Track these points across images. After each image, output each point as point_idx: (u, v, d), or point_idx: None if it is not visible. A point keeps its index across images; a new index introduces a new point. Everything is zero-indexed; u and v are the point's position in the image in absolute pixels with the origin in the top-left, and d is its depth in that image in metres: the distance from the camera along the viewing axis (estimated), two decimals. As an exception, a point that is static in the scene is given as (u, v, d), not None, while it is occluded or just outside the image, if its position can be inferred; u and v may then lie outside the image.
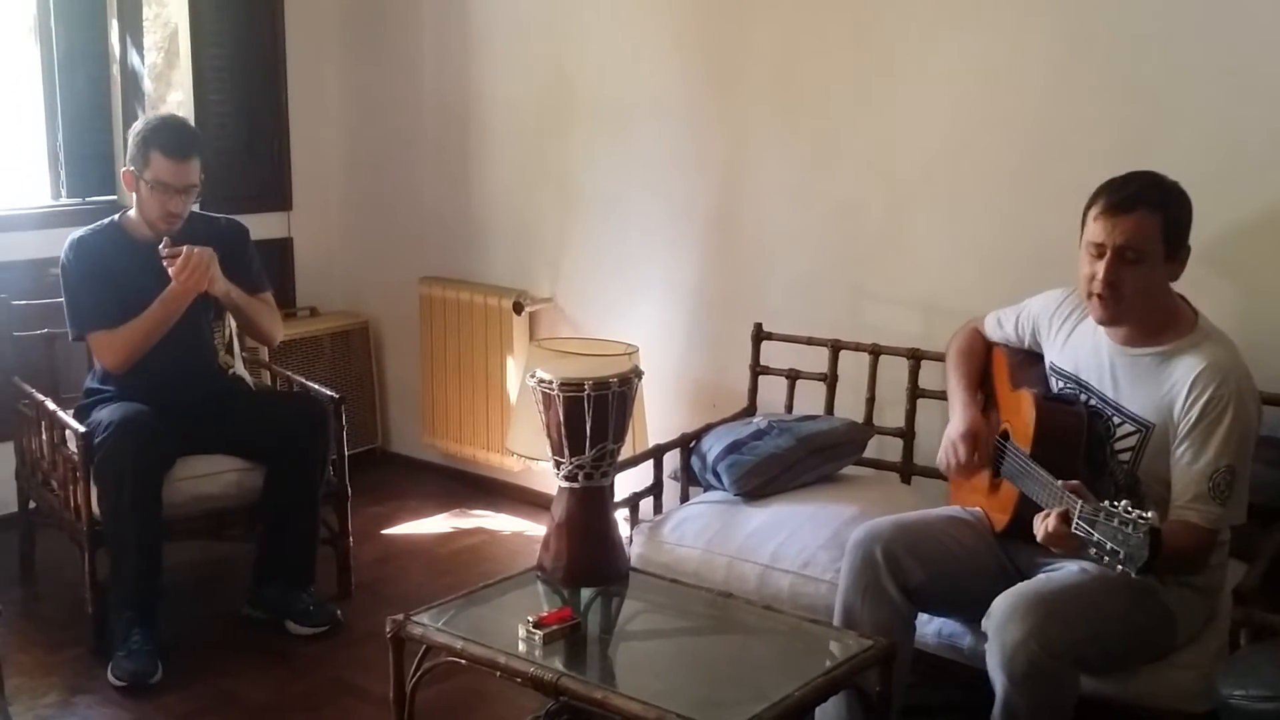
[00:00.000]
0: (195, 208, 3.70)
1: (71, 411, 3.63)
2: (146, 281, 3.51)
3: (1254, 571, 2.60)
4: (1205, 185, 3.11)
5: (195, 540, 3.81)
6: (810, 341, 3.72)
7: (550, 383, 2.79)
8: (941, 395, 3.46)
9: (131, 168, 3.55)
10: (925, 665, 2.86)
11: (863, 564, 2.73)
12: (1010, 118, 3.47)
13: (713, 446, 3.44)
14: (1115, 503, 2.24)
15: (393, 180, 5.06)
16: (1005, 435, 2.77)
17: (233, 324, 3.85)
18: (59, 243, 3.64)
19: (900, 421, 3.57)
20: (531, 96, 4.55)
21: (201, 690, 3.34)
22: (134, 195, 3.61)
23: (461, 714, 3.23)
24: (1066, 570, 2.63)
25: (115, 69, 4.51)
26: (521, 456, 4.13)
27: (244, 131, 4.94)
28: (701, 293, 4.18)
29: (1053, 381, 2.81)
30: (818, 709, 2.55)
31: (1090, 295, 2.59)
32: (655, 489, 3.58)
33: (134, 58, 4.54)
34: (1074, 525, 2.29)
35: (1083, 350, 2.73)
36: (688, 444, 3.56)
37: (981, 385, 2.99)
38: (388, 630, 2.65)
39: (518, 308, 4.51)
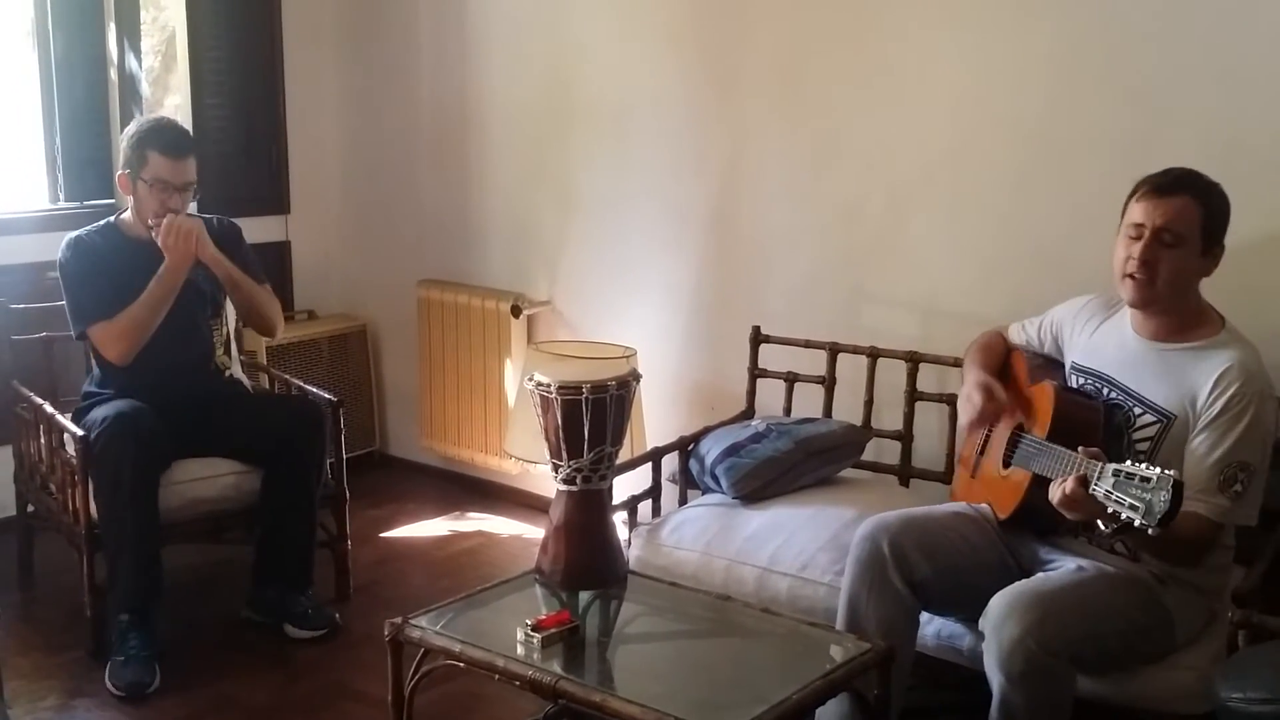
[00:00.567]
0: (192, 208, 3.71)
1: (69, 415, 3.63)
2: (143, 280, 3.52)
3: (1253, 574, 2.60)
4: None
5: (193, 543, 3.82)
6: (808, 344, 3.72)
7: (548, 386, 2.79)
8: (939, 398, 3.47)
9: (126, 170, 3.57)
10: (924, 667, 2.86)
11: (869, 557, 2.73)
12: (1010, 119, 3.47)
13: (711, 449, 3.44)
14: (1136, 463, 2.26)
15: (391, 183, 5.06)
16: (1020, 429, 2.78)
17: (230, 324, 3.85)
18: (57, 246, 3.64)
19: (898, 424, 3.57)
20: (529, 99, 4.55)
21: (200, 693, 3.34)
22: (129, 199, 3.62)
23: (460, 717, 3.23)
24: (1065, 569, 2.63)
25: (113, 73, 4.51)
26: (519, 459, 4.13)
27: (242, 135, 4.94)
28: (700, 295, 4.19)
29: (1074, 379, 2.82)
30: (817, 711, 2.55)
31: (1125, 276, 2.61)
32: (653, 492, 3.58)
33: (131, 61, 4.54)
34: (1091, 487, 2.30)
35: (1108, 345, 2.75)
36: (686, 447, 3.56)
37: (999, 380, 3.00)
38: (386, 633, 2.65)
39: (516, 311, 4.52)
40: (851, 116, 3.76)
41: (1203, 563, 2.57)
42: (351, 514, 3.95)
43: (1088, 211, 3.23)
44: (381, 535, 4.49)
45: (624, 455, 3.11)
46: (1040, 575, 2.64)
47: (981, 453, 2.96)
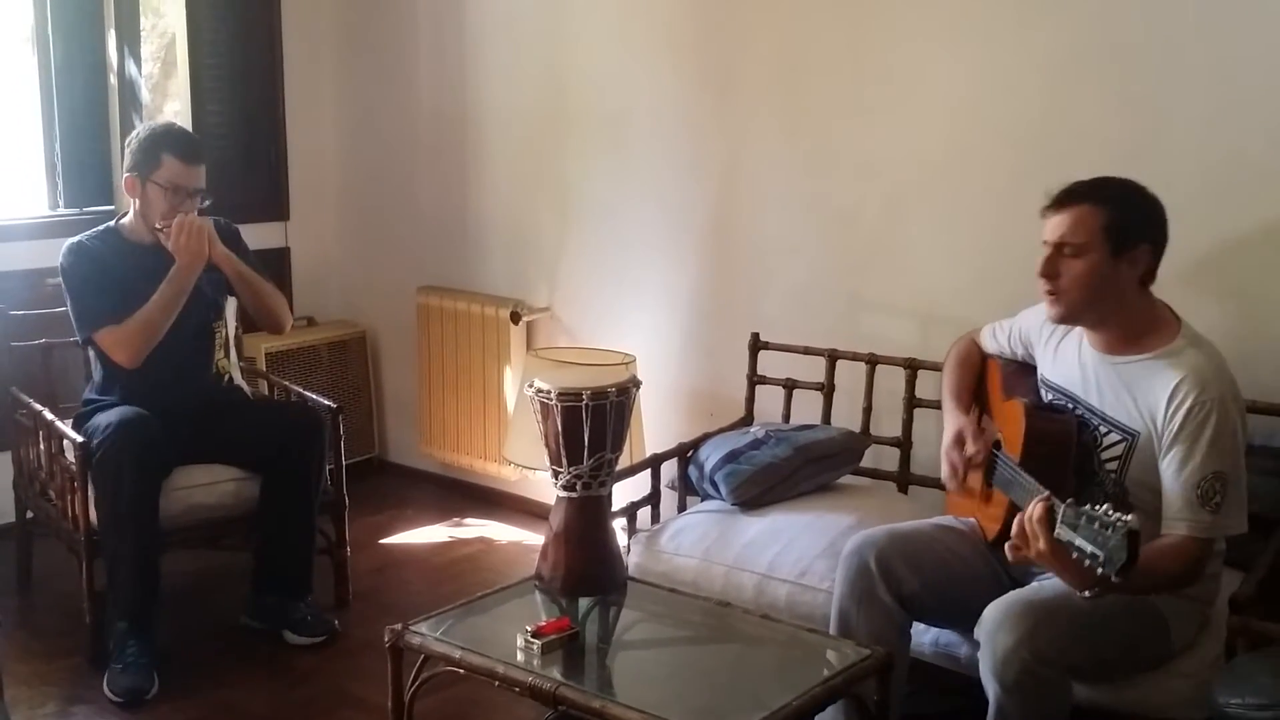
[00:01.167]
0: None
1: (69, 421, 3.63)
2: (146, 284, 3.51)
3: (1250, 580, 2.60)
4: (1203, 193, 3.14)
5: (192, 550, 3.81)
6: (807, 351, 3.73)
7: (548, 392, 2.80)
8: (938, 404, 3.45)
9: (135, 172, 3.56)
10: (922, 675, 2.86)
11: (857, 573, 2.74)
12: (1006, 127, 3.48)
13: (710, 456, 3.45)
14: (1096, 506, 2.23)
15: (390, 190, 5.06)
16: (998, 445, 2.78)
17: (229, 328, 3.85)
18: (56, 252, 3.63)
19: (897, 431, 3.58)
20: (528, 106, 4.56)
21: (199, 701, 3.34)
22: (133, 201, 3.62)
23: (459, 724, 3.24)
24: (1058, 579, 2.63)
25: (112, 79, 4.51)
26: (519, 466, 4.13)
27: (241, 141, 4.95)
28: (698, 302, 4.19)
29: (1044, 393, 2.81)
30: (816, 718, 2.55)
31: (1043, 295, 2.62)
32: (653, 498, 3.58)
33: (131, 67, 4.54)
34: (1056, 530, 2.29)
35: (1069, 362, 2.73)
36: (685, 453, 3.57)
37: (977, 396, 3.00)
38: (386, 640, 2.66)
39: (515, 317, 4.52)
40: (849, 124, 3.77)
41: (1202, 576, 2.57)
42: (351, 520, 3.95)
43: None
44: (381, 542, 4.49)
45: (623, 462, 3.11)
46: (1034, 584, 2.64)
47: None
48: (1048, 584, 2.60)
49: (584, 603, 2.85)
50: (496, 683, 2.53)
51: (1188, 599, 2.60)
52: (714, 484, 3.40)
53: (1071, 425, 2.66)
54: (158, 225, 3.54)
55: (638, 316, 4.32)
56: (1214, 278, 3.16)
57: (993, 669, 2.45)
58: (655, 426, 4.11)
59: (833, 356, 3.68)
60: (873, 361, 3.61)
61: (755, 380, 3.84)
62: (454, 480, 4.97)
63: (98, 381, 3.69)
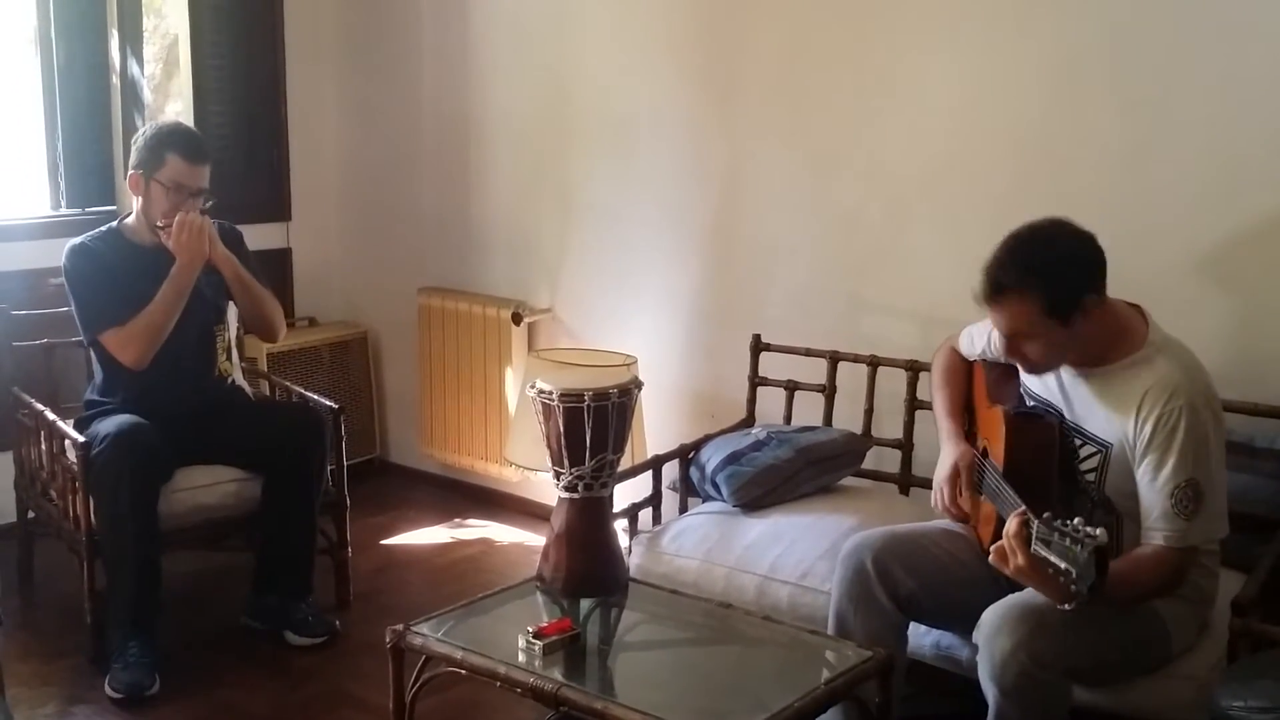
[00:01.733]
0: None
1: (71, 422, 3.62)
2: (149, 285, 3.52)
3: (1252, 582, 2.60)
4: (1203, 196, 3.15)
5: (193, 550, 3.81)
6: (809, 353, 3.72)
7: (550, 393, 2.80)
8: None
9: (140, 170, 3.56)
10: (922, 676, 2.86)
11: (854, 574, 2.74)
12: (1007, 130, 3.48)
13: (711, 457, 3.45)
14: (1067, 521, 2.23)
15: (392, 191, 5.06)
16: (985, 453, 2.78)
17: (232, 331, 3.85)
18: (58, 253, 3.63)
19: (898, 433, 3.58)
20: (531, 107, 4.56)
21: (200, 701, 3.34)
22: (136, 200, 3.62)
23: (460, 724, 3.24)
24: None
25: (115, 79, 4.51)
26: (520, 467, 4.13)
27: (243, 142, 4.95)
28: (700, 304, 4.19)
29: (1027, 399, 2.81)
30: (817, 720, 2.56)
31: None
32: (654, 500, 3.58)
33: (134, 68, 4.54)
34: (1032, 546, 2.28)
35: (1045, 376, 2.73)
36: (687, 455, 3.57)
37: (966, 405, 3.00)
38: (387, 640, 2.66)
39: (516, 318, 4.52)
40: (851, 126, 3.77)
41: (1185, 583, 2.56)
42: (352, 521, 3.95)
43: (1084, 222, 3.20)
44: (382, 542, 4.49)
45: (625, 463, 3.11)
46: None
47: None
48: (1046, 588, 2.60)
49: (585, 604, 2.85)
50: (498, 684, 2.52)
51: (1187, 602, 2.60)
52: (715, 485, 3.40)
53: (1054, 431, 2.65)
54: (159, 224, 3.54)
55: (639, 318, 4.32)
56: (1215, 279, 3.16)
57: (991, 673, 2.45)
58: (657, 428, 4.11)
59: (834, 358, 3.68)
60: (874, 363, 3.61)
61: (757, 382, 3.84)
62: (455, 481, 4.96)
63: (99, 383, 3.69)
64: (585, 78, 4.39)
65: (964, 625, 2.65)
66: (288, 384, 4.16)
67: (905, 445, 3.57)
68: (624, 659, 2.77)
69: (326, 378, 4.96)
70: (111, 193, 4.54)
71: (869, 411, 3.62)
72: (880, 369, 3.60)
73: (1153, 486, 2.48)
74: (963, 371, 3.02)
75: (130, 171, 3.61)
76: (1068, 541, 2.19)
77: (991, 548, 2.40)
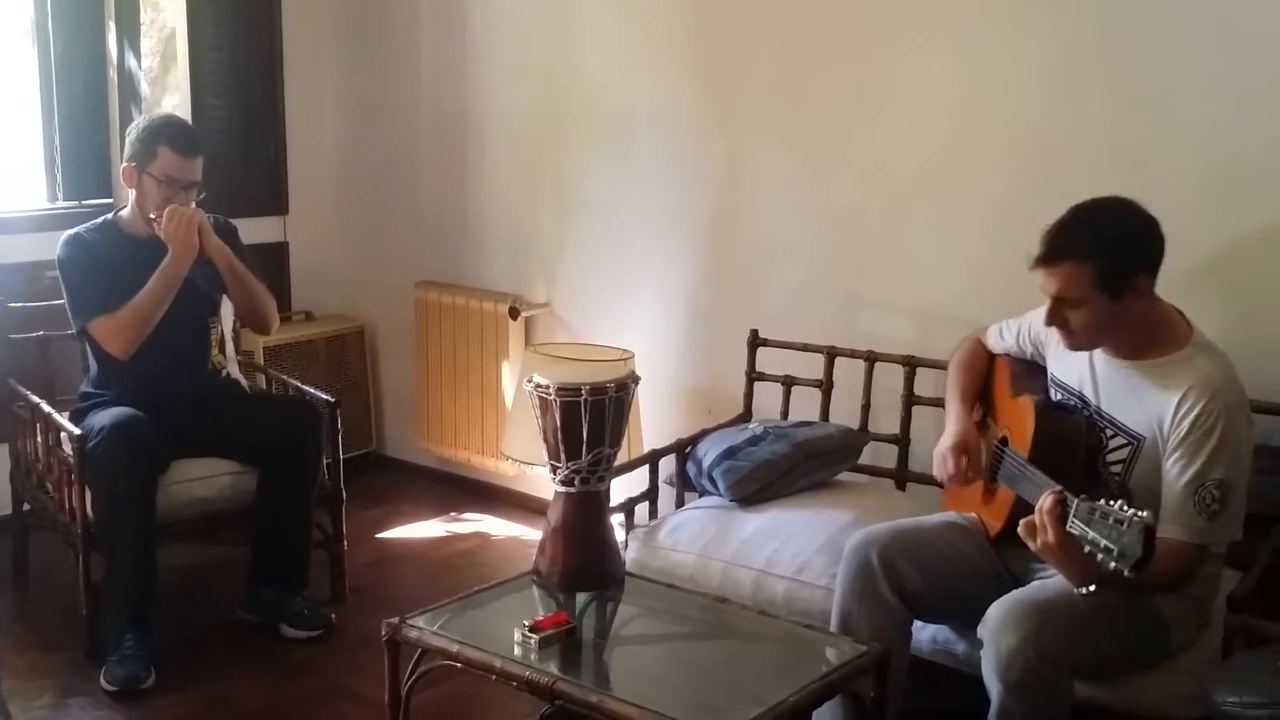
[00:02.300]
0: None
1: (67, 414, 3.62)
2: (142, 276, 3.51)
3: (1249, 579, 2.61)
4: (1204, 197, 3.15)
5: (189, 543, 3.82)
6: (806, 348, 3.72)
7: (547, 387, 2.80)
8: (936, 402, 3.47)
9: (133, 163, 3.56)
10: (919, 671, 2.86)
11: (859, 569, 2.74)
12: (1006, 129, 3.48)
13: (708, 452, 3.45)
14: (1111, 501, 2.24)
15: (389, 185, 5.06)
16: (1004, 441, 2.78)
17: (225, 323, 3.85)
18: (55, 245, 3.63)
19: (895, 428, 3.58)
20: (529, 102, 4.56)
21: (195, 694, 3.34)
22: (131, 192, 3.63)
23: (456, 718, 3.23)
24: (1059, 577, 2.63)
25: (112, 73, 4.51)
26: (516, 461, 4.13)
27: (241, 136, 4.94)
28: (697, 299, 4.19)
29: (1054, 392, 2.81)
30: (813, 714, 2.55)
31: None
32: (651, 494, 3.58)
33: (131, 61, 4.54)
34: (1069, 524, 2.29)
35: (1079, 364, 2.73)
36: (683, 449, 3.56)
37: (982, 396, 3.00)
38: (383, 633, 2.66)
39: (514, 313, 4.52)
40: (849, 124, 3.77)
41: (1195, 580, 2.57)
42: (348, 515, 3.95)
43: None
44: (378, 536, 4.49)
45: (622, 457, 3.11)
46: (1037, 583, 2.64)
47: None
48: (1050, 583, 2.60)
49: (581, 598, 2.85)
50: (494, 677, 2.52)
51: (1188, 598, 2.60)
52: (712, 480, 3.40)
53: (1081, 424, 2.66)
54: (151, 216, 3.54)
55: (637, 313, 4.32)
56: (1215, 279, 3.16)
57: (996, 668, 2.45)
58: (654, 422, 4.11)
59: (831, 354, 3.68)
60: (871, 359, 3.60)
61: (754, 377, 3.84)
62: (452, 475, 4.96)
63: (94, 375, 3.69)
64: (584, 74, 4.39)
65: (966, 619, 2.65)
66: (284, 377, 4.16)
67: (902, 440, 3.57)
68: (620, 653, 2.77)
69: (323, 371, 4.95)
70: (108, 185, 4.53)
71: (866, 407, 3.62)
72: (877, 364, 3.60)
73: (1179, 481, 2.49)
74: (984, 362, 3.02)
75: (123, 164, 3.61)
76: (1110, 520, 2.20)
77: (1021, 520, 2.40)
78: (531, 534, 4.38)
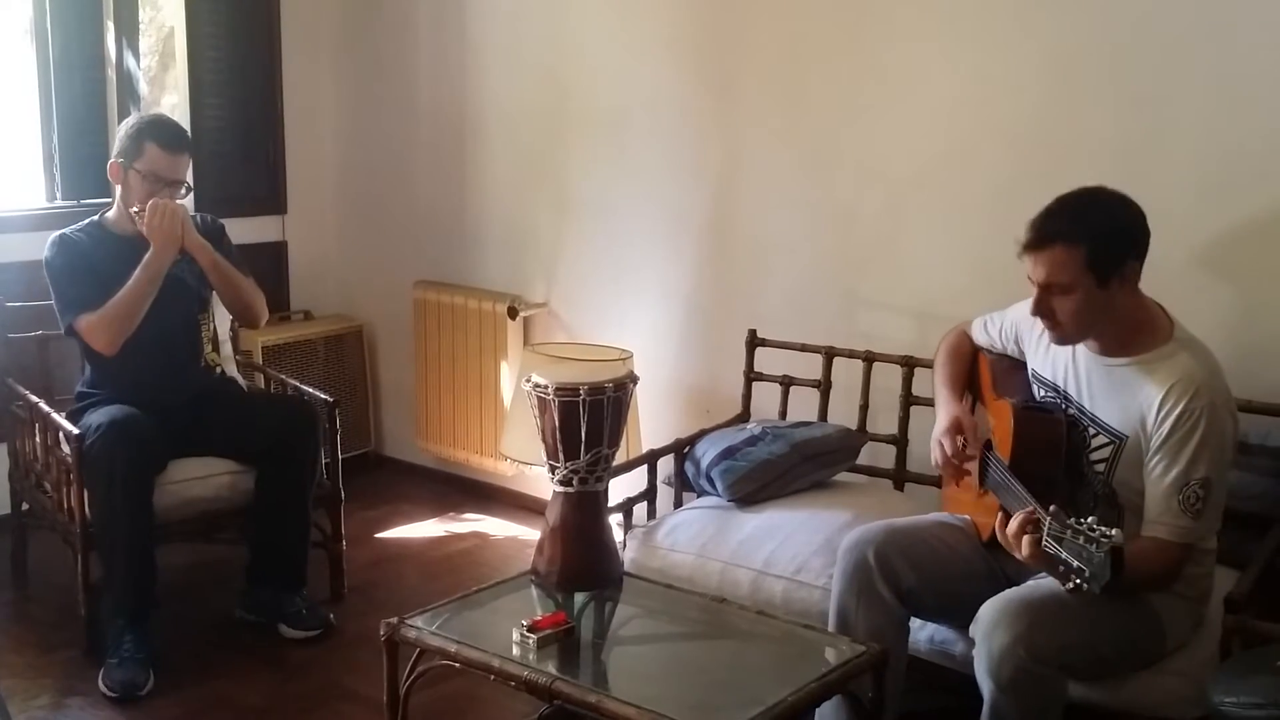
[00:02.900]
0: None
1: (65, 414, 3.62)
2: (128, 274, 3.51)
3: (1246, 579, 2.61)
4: (1201, 192, 3.15)
5: (187, 543, 3.82)
6: (804, 348, 3.73)
7: (546, 387, 2.80)
8: (934, 402, 3.47)
9: (121, 159, 3.58)
10: (918, 671, 2.86)
11: (855, 568, 2.74)
12: (1004, 126, 3.48)
13: (706, 452, 3.45)
14: (1081, 520, 2.23)
15: (388, 184, 5.06)
16: (989, 445, 2.78)
17: (216, 320, 3.84)
18: (54, 245, 3.64)
19: (893, 428, 3.58)
20: (527, 101, 4.56)
21: (193, 694, 3.34)
22: (117, 189, 3.63)
23: (455, 718, 3.23)
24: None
25: (111, 72, 4.51)
26: (515, 461, 4.13)
27: (239, 135, 4.94)
28: (696, 299, 4.19)
29: (1035, 389, 2.81)
30: (813, 713, 2.56)
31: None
32: (649, 494, 3.58)
33: (130, 61, 4.54)
34: (1043, 542, 2.30)
35: (1061, 359, 2.73)
36: (682, 449, 3.57)
37: (969, 388, 3.00)
38: (382, 633, 2.66)
39: (512, 312, 4.52)
40: (847, 123, 3.77)
41: (1180, 578, 2.57)
42: (346, 514, 3.95)
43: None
44: (376, 536, 4.49)
45: (620, 457, 3.11)
46: (1030, 583, 2.64)
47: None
48: (1044, 583, 2.60)
49: (580, 598, 2.85)
50: (492, 677, 2.52)
51: (1183, 598, 2.61)
52: (710, 480, 3.40)
53: (1061, 426, 2.66)
54: (134, 211, 3.54)
55: (635, 313, 4.32)
56: (1212, 276, 3.16)
57: (988, 667, 2.45)
58: (652, 422, 4.11)
59: (830, 354, 3.68)
60: (869, 359, 3.61)
61: (752, 377, 3.84)
62: (450, 475, 4.96)
63: (89, 374, 3.69)
64: (582, 72, 4.39)
65: (962, 619, 2.65)
66: (283, 377, 4.16)
67: (900, 441, 3.57)
68: (618, 653, 2.76)
69: (321, 371, 4.95)
70: (106, 185, 4.48)
71: (864, 407, 3.62)
72: (875, 365, 3.60)
73: (1162, 482, 2.49)
74: (969, 354, 3.03)
75: (111, 160, 3.62)
76: (1081, 540, 2.20)
77: (999, 530, 2.42)
78: (530, 534, 4.38)
